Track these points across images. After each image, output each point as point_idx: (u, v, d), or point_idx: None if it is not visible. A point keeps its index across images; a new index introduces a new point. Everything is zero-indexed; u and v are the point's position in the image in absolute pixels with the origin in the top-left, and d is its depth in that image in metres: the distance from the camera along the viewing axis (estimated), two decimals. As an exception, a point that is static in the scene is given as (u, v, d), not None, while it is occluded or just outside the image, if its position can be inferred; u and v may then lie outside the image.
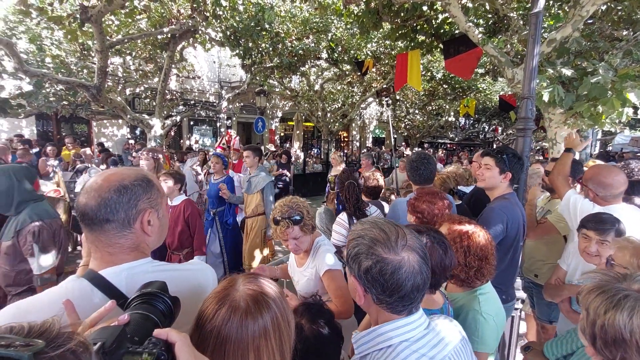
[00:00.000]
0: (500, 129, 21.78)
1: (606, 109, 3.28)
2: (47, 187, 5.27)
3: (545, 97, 3.00)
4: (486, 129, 22.39)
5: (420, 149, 18.23)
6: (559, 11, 5.37)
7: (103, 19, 5.85)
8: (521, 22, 5.03)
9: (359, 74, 9.15)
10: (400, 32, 5.73)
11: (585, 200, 2.05)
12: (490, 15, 5.74)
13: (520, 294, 2.27)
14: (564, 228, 2.48)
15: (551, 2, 5.21)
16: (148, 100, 12.38)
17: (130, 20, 7.71)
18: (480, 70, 10.03)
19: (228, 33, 7.60)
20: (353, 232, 0.93)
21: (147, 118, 8.18)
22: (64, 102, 8.62)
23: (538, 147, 14.70)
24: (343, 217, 2.39)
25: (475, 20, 5.67)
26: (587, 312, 0.89)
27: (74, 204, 4.98)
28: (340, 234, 2.33)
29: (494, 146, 19.70)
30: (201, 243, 3.21)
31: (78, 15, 5.39)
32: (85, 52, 8.59)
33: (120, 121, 12.35)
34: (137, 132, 13.20)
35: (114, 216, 0.83)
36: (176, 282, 0.93)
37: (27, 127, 10.91)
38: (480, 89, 13.27)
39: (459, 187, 3.35)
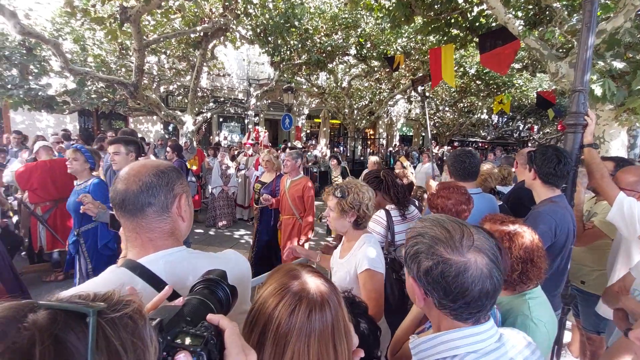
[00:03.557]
0: (536, 127, 20.71)
1: (664, 105, 3.02)
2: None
3: (598, 92, 2.79)
4: (521, 128, 21.35)
5: (449, 147, 17.70)
6: (608, 1, 5.00)
7: (141, 19, 6.08)
8: (565, 13, 4.71)
9: (389, 69, 8.97)
10: (433, 26, 5.55)
11: None
12: (530, 7, 5.44)
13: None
14: (614, 231, 2.29)
15: (600, -7, 4.85)
16: (180, 97, 12.80)
17: (165, 19, 7.99)
18: (517, 66, 9.54)
19: (258, 30, 7.70)
20: (412, 230, 0.87)
21: (179, 114, 8.47)
22: (104, 99, 9.09)
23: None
24: (381, 214, 2.22)
25: (513, 12, 5.39)
26: None
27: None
28: (378, 233, 2.17)
29: (529, 145, 18.77)
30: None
31: (118, 16, 5.64)
32: (124, 52, 9.00)
33: (155, 117, 12.86)
34: (170, 128, 13.69)
35: (155, 199, 0.85)
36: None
37: (70, 122, 11.59)
38: (517, 85, 12.65)
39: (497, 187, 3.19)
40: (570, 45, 4.92)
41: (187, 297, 0.66)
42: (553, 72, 3.79)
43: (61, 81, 8.53)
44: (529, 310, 1.17)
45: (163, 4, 6.08)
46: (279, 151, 10.11)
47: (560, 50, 5.17)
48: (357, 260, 1.70)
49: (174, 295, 0.82)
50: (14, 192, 4.90)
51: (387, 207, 2.25)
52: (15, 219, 4.56)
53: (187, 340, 0.52)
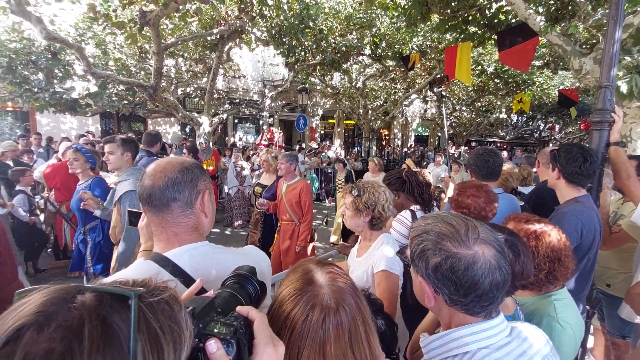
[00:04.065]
0: (557, 127, 20.10)
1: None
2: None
3: (624, 88, 2.68)
4: (541, 127, 20.76)
5: (466, 147, 17.38)
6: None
7: (159, 23, 6.23)
8: (590, 8, 4.56)
9: (404, 69, 8.89)
10: (450, 23, 5.46)
11: None
12: (552, 2, 5.29)
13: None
14: None
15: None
16: (197, 99, 13.03)
17: (183, 23, 8.16)
18: (538, 63, 9.28)
19: (273, 32, 7.77)
20: (416, 229, 0.87)
21: (196, 116, 8.62)
22: (124, 102, 9.34)
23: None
24: (406, 214, 2.19)
25: (534, 8, 5.25)
26: None
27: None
28: (400, 234, 2.14)
29: (550, 145, 18.23)
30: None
31: (138, 20, 5.80)
32: (143, 55, 9.23)
33: (172, 119, 13.14)
34: (187, 129, 13.95)
35: (179, 194, 0.88)
36: (237, 265, 0.95)
37: (92, 125, 11.97)
38: (537, 83, 12.30)
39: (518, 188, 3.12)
40: (594, 41, 4.75)
41: (218, 290, 0.67)
42: (576, 68, 3.68)
43: (84, 84, 8.82)
44: (554, 311, 1.14)
45: (181, 7, 6.20)
46: (296, 152, 10.12)
47: (584, 47, 5.01)
48: (374, 260, 1.70)
49: (201, 290, 0.84)
50: (40, 190, 5.10)
51: (412, 208, 2.22)
52: (42, 217, 4.75)
53: (218, 329, 0.53)
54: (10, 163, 5.23)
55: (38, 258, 4.66)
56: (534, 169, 3.93)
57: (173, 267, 0.85)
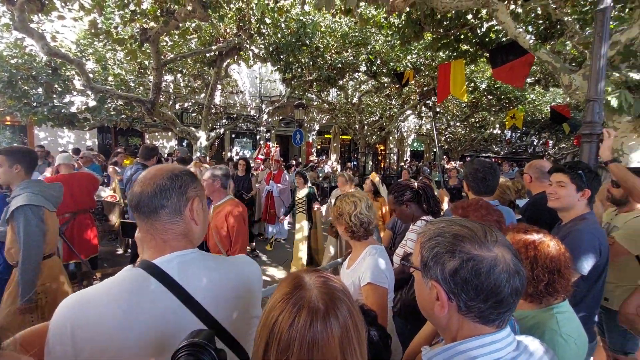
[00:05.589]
0: (551, 142, 20.38)
1: (685, 116, 2.94)
2: (105, 193, 5.69)
3: (614, 103, 2.74)
4: (535, 143, 21.04)
5: (461, 162, 17.53)
6: (621, 13, 4.99)
7: (159, 40, 6.35)
8: (577, 27, 4.71)
9: (399, 85, 9.05)
10: (442, 42, 5.61)
11: None
12: (541, 21, 5.47)
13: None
14: (636, 246, 2.20)
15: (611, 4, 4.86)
16: (195, 114, 13.13)
17: (182, 40, 8.31)
18: (529, 80, 9.50)
19: (270, 49, 7.93)
20: (425, 233, 0.82)
21: (194, 130, 8.67)
22: (122, 116, 9.40)
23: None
24: (422, 224, 2.16)
25: (524, 27, 5.42)
26: None
27: (126, 208, 5.34)
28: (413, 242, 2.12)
29: (544, 159, 18.39)
30: None
31: (138, 37, 5.91)
32: (142, 71, 9.36)
33: (169, 133, 13.20)
34: (184, 144, 13.99)
35: (167, 201, 0.88)
36: (227, 274, 0.94)
37: (90, 139, 11.98)
38: (529, 99, 12.55)
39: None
40: (582, 58, 4.89)
41: None
42: (566, 84, 3.76)
43: (82, 99, 8.89)
44: (557, 325, 1.12)
45: (181, 25, 6.34)
46: (292, 169, 10.13)
47: (573, 64, 5.15)
48: (360, 273, 1.68)
49: (190, 299, 0.83)
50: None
51: (424, 218, 2.19)
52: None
53: None
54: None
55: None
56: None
57: (161, 274, 0.84)
